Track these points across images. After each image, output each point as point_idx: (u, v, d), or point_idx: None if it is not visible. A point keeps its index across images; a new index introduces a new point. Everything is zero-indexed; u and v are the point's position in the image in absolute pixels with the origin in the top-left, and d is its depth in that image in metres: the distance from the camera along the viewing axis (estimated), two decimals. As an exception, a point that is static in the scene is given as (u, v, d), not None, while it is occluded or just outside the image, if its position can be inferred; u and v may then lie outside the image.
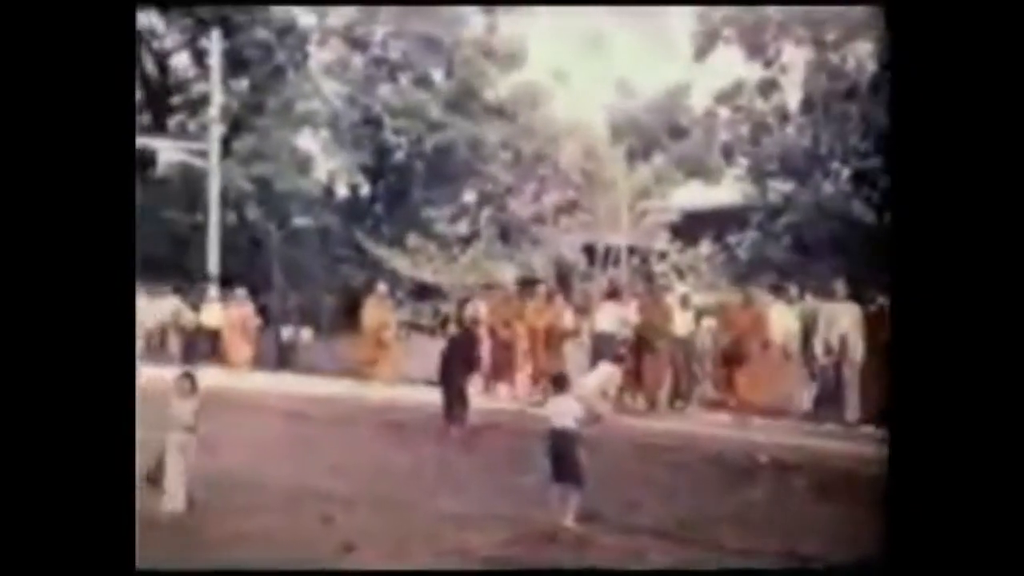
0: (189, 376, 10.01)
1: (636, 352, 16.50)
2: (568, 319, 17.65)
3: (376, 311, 20.29)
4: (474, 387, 15.46)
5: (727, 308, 17.02)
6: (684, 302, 17.36)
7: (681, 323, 16.89)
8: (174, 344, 23.89)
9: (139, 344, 22.83)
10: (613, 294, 18.06)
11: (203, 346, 23.43)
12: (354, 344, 20.91)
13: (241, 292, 23.14)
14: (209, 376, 19.20)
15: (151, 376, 17.73)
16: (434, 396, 15.02)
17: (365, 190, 33.90)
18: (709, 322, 17.30)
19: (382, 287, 20.96)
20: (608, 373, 15.39)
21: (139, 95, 35.21)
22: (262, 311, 23.78)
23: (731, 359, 15.99)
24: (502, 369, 17.80)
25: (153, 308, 23.72)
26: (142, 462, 9.43)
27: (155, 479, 9.57)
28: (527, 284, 21.49)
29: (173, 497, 9.61)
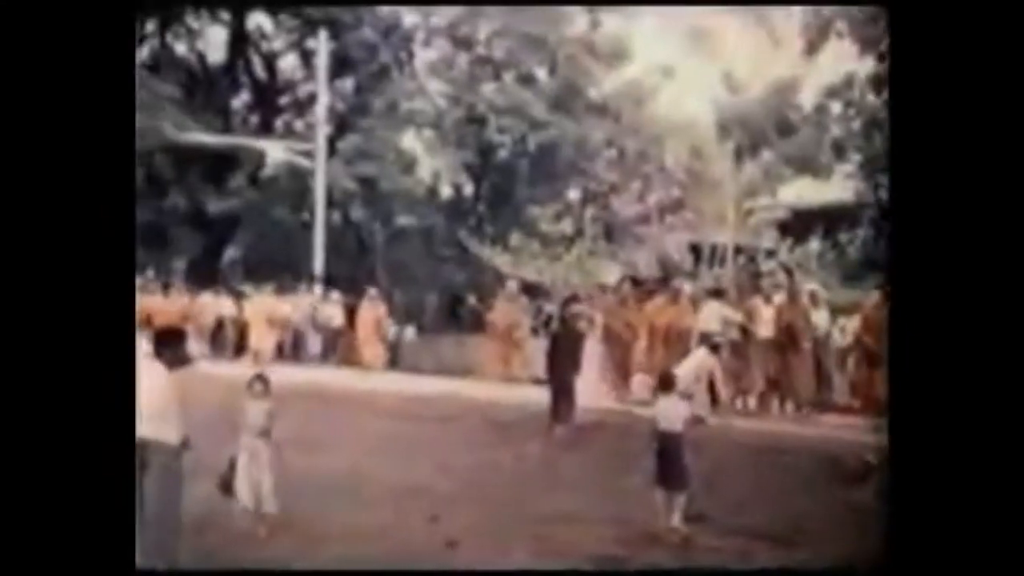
0: (262, 378, 9.48)
1: (777, 353, 15.99)
2: (691, 319, 17.08)
3: (507, 309, 20.17)
4: (583, 385, 15.23)
5: (868, 307, 16.23)
6: (814, 300, 16.76)
7: (818, 322, 16.34)
8: (313, 343, 23.41)
9: (273, 342, 22.72)
10: (717, 293, 17.68)
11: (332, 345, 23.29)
12: (484, 343, 20.81)
13: (373, 292, 22.82)
14: (340, 377, 19.36)
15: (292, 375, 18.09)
16: (539, 395, 14.90)
17: (468, 189, 34.00)
18: (844, 321, 16.77)
19: (512, 285, 20.88)
20: (703, 360, 15.08)
21: (247, 96, 35.89)
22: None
23: (873, 359, 15.26)
24: (619, 369, 17.49)
25: (283, 305, 23.49)
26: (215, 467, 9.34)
27: (228, 485, 9.12)
28: (636, 284, 21.23)
29: (245, 503, 9.11)
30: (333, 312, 23.15)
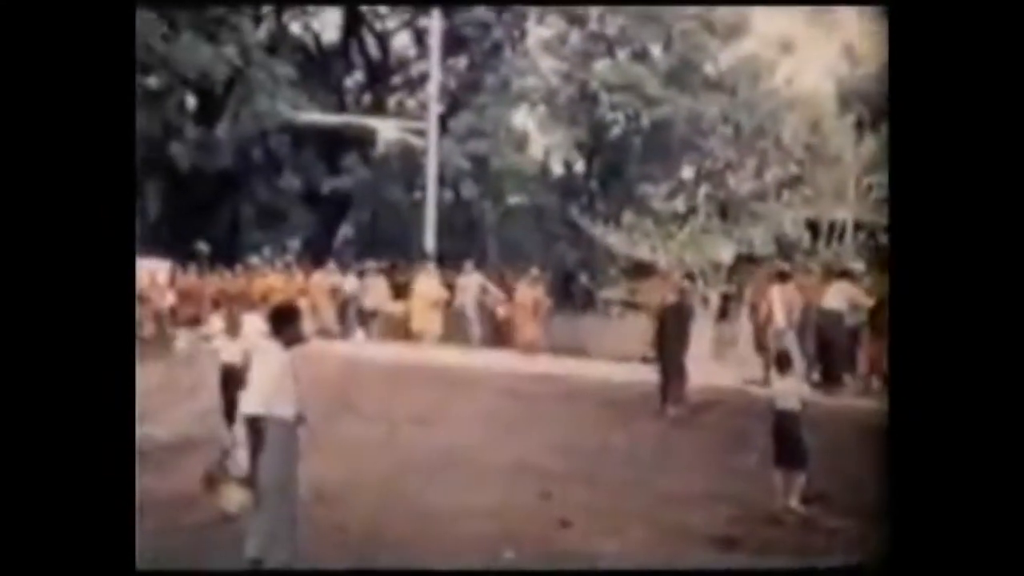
0: None
1: None
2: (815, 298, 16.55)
3: (660, 288, 19.88)
4: (695, 363, 14.99)
5: None
6: None
7: None
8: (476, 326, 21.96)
9: (436, 324, 21.58)
10: (844, 274, 17.15)
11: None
12: (636, 322, 20.46)
13: (534, 272, 21.77)
14: (454, 356, 19.27)
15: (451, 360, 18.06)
16: (651, 373, 14.70)
17: (580, 167, 33.80)
18: None
19: (663, 263, 20.59)
20: (784, 294, 15.08)
21: (361, 76, 36.20)
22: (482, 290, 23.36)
23: None
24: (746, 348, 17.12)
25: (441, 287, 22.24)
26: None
27: (214, 479, 8.16)
28: (751, 261, 20.87)
29: (240, 496, 7.81)
30: (497, 294, 22.33)
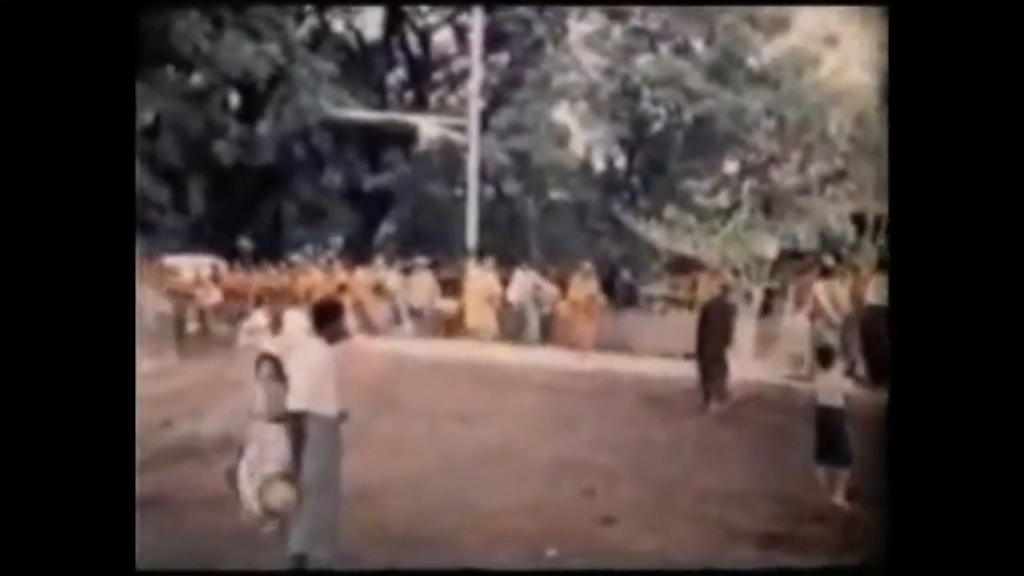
0: (271, 358, 8.16)
1: None
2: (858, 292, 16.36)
3: (703, 284, 19.74)
4: (737, 359, 14.92)
5: None
6: None
7: None
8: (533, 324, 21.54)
9: (492, 320, 21.30)
10: (885, 264, 17.04)
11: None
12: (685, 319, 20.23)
13: (587, 266, 21.00)
14: (499, 352, 19.22)
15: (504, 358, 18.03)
16: (693, 369, 14.64)
17: (622, 162, 33.74)
18: None
19: (706, 259, 20.47)
20: (827, 288, 15.36)
21: (403, 72, 36.30)
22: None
23: None
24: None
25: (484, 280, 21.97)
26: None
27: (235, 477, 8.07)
28: (795, 256, 20.71)
29: (248, 498, 7.78)
30: (551, 290, 21.69)
